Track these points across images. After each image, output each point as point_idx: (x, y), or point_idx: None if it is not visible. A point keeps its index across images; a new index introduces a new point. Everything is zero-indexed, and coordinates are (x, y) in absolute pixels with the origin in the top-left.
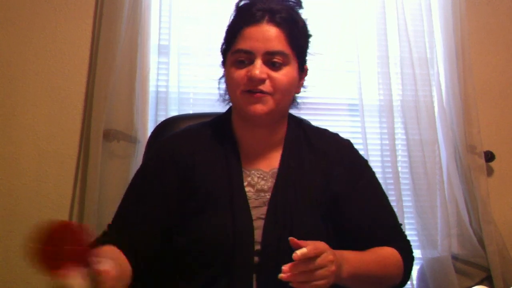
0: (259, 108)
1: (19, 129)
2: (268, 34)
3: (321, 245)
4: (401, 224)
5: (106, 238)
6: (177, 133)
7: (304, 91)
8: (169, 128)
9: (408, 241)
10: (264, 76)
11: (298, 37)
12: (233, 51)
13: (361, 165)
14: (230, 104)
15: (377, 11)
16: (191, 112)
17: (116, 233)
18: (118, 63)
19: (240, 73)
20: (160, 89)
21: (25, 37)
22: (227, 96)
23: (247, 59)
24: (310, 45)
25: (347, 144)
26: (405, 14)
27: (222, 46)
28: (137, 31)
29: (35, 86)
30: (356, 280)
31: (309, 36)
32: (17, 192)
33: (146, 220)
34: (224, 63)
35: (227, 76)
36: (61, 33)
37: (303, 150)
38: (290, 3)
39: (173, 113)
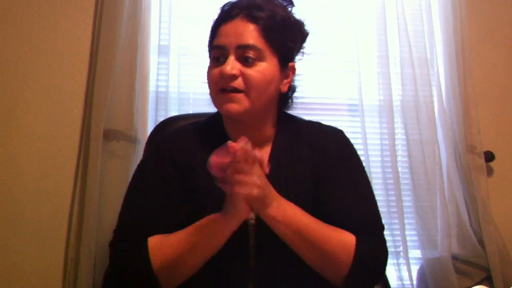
0: (233, 107)
1: (19, 129)
2: (241, 29)
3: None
4: (383, 226)
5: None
6: (174, 132)
7: (298, 91)
8: (168, 128)
9: (384, 243)
10: (235, 72)
11: (276, 32)
12: (210, 49)
13: (348, 154)
14: None
15: (377, 11)
16: (191, 112)
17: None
18: (118, 63)
19: (215, 71)
20: (160, 89)
21: (25, 37)
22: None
23: (221, 55)
24: (303, 43)
25: (340, 135)
26: (405, 14)
27: None
28: (137, 31)
29: (35, 86)
30: (288, 231)
31: (295, 33)
32: (17, 192)
33: (157, 218)
34: None
35: (206, 75)
36: (61, 33)
37: (294, 145)
38: (278, 1)
39: (173, 113)
